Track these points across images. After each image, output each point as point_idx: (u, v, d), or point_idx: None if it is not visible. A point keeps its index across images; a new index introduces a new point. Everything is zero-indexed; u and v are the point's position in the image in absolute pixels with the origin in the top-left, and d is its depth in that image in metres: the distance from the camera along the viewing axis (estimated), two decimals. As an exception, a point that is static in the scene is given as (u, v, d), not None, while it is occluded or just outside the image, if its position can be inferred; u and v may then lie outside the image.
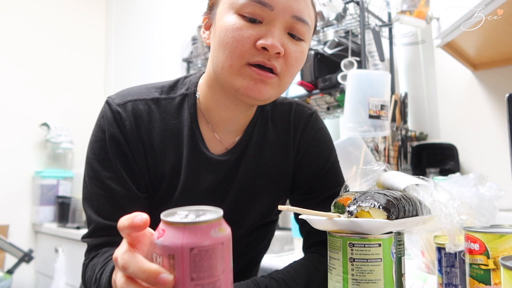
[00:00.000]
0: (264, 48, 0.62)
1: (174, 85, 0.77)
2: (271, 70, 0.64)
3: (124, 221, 0.40)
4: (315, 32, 0.75)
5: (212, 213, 0.40)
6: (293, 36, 0.66)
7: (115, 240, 0.65)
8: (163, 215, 0.39)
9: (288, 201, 0.86)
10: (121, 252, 0.41)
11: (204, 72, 0.77)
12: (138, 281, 0.40)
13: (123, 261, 0.40)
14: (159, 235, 0.37)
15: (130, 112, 0.71)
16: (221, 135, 0.76)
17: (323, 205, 0.71)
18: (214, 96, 0.73)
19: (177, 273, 0.37)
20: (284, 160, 0.80)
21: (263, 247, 0.88)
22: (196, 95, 0.75)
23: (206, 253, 0.36)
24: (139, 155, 0.71)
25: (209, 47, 0.72)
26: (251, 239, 0.82)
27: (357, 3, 1.52)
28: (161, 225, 0.38)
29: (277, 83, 0.66)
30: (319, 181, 0.80)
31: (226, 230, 0.39)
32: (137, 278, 0.40)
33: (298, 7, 0.64)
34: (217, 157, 0.74)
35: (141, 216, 0.40)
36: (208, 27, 0.72)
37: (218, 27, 0.66)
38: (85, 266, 0.68)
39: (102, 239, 0.68)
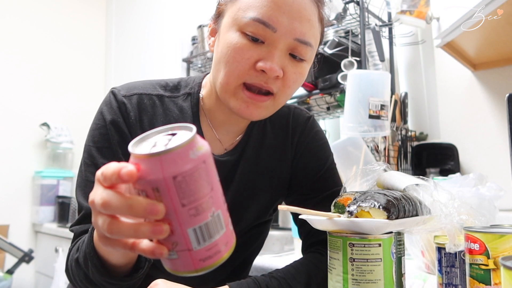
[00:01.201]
0: (263, 71, 0.62)
1: (178, 84, 0.78)
2: (267, 92, 0.65)
3: (109, 168, 0.36)
4: (320, 43, 0.74)
5: (185, 132, 0.37)
6: (294, 56, 0.65)
7: None
8: (131, 147, 0.36)
9: (283, 203, 0.87)
10: (98, 192, 0.37)
11: (208, 73, 0.77)
12: (122, 219, 0.37)
13: (102, 199, 0.36)
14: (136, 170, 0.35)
15: (135, 104, 0.72)
16: (221, 135, 0.76)
17: (320, 206, 0.72)
18: (216, 98, 0.73)
19: (166, 203, 0.35)
20: (282, 161, 0.81)
21: (257, 247, 0.88)
22: (200, 94, 0.76)
23: (190, 177, 0.35)
24: None
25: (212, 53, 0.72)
26: (246, 239, 0.82)
27: (357, 3, 1.52)
28: (132, 159, 0.35)
29: (271, 104, 0.67)
30: (317, 182, 0.81)
31: (204, 147, 0.37)
32: (122, 215, 0.37)
33: (302, 30, 0.63)
34: (217, 157, 0.75)
35: (128, 169, 0.35)
36: (213, 34, 0.72)
37: (221, 40, 0.66)
38: (69, 252, 0.65)
39: (91, 225, 0.62)
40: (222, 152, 0.76)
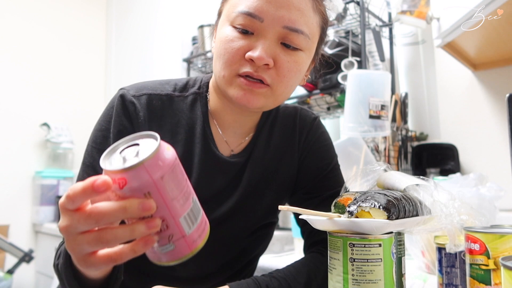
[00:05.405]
0: (252, 60, 0.63)
1: (186, 83, 0.78)
2: (261, 82, 0.65)
3: (79, 186, 0.36)
4: (323, 38, 0.74)
5: (149, 138, 0.41)
6: (287, 46, 0.65)
7: None
8: (110, 166, 0.39)
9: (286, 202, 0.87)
10: (75, 217, 0.37)
11: (212, 76, 0.78)
12: (111, 226, 0.38)
13: (93, 213, 0.37)
14: (122, 185, 0.37)
15: (144, 104, 0.72)
16: (228, 137, 0.77)
17: (323, 205, 0.72)
18: (221, 100, 0.74)
19: (158, 202, 0.39)
20: (289, 161, 0.82)
21: (262, 248, 0.88)
22: (207, 96, 0.77)
23: (172, 173, 0.39)
24: None
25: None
26: (252, 240, 0.82)
27: (357, 3, 1.52)
28: (113, 175, 0.38)
29: (269, 93, 0.67)
30: (320, 182, 0.82)
31: (170, 146, 0.41)
32: (116, 219, 0.38)
33: (290, 17, 0.63)
34: (227, 158, 0.75)
35: (102, 178, 0.36)
36: (215, 36, 0.74)
37: (217, 38, 0.69)
38: (57, 250, 0.64)
39: None
40: (229, 153, 0.77)
